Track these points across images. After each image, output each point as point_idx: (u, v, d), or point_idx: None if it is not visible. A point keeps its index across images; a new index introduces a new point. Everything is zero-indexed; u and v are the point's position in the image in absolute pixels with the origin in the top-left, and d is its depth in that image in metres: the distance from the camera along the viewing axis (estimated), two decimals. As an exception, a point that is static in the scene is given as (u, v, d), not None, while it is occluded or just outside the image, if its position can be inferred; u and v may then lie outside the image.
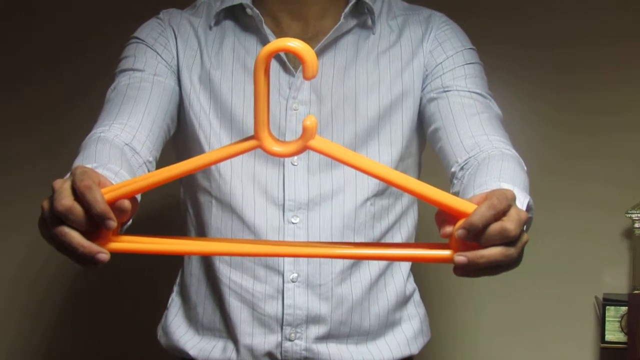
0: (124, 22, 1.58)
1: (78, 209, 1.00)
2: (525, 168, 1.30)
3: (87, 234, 1.02)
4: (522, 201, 1.15)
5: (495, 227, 1.00)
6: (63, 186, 1.02)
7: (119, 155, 1.26)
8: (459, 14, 1.54)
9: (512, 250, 1.03)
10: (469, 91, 1.41)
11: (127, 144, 1.32)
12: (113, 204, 1.01)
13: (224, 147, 1.02)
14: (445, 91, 1.42)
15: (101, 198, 0.99)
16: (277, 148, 1.00)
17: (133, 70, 1.43)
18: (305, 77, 0.98)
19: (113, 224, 1.00)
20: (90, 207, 0.99)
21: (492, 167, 1.25)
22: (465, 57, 1.45)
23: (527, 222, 1.07)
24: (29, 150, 2.40)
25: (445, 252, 1.02)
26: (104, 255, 1.02)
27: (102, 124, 1.36)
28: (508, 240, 1.01)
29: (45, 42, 2.40)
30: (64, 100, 2.38)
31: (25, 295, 2.43)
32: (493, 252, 1.01)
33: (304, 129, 0.98)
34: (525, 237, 1.06)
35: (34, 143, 2.40)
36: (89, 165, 1.13)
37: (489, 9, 2.29)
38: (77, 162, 1.20)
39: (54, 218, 1.02)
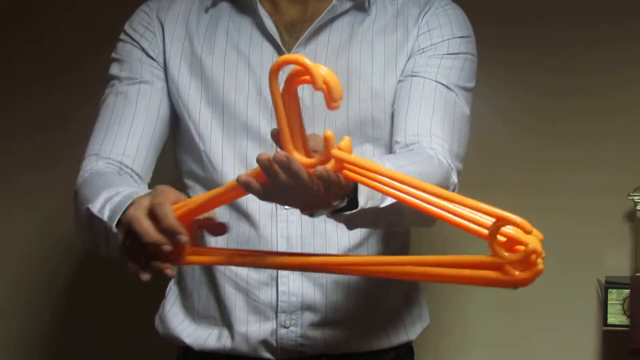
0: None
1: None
2: (438, 176, 1.28)
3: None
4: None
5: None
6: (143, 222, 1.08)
7: (121, 179, 1.33)
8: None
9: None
10: (435, 81, 1.38)
11: (116, 173, 1.37)
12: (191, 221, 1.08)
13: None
14: (412, 76, 1.39)
15: (171, 214, 1.06)
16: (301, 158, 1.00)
17: (119, 78, 1.44)
18: (329, 107, 0.98)
19: (184, 238, 1.05)
20: (160, 222, 1.06)
21: (401, 156, 1.29)
22: (450, 47, 1.41)
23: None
24: (31, 155, 2.41)
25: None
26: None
27: (91, 150, 1.40)
28: None
29: (52, 51, 2.40)
30: (71, 107, 2.37)
31: (26, 285, 2.42)
32: None
33: (325, 140, 0.98)
34: None
35: (36, 148, 2.40)
36: (112, 193, 1.21)
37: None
38: (96, 205, 1.21)
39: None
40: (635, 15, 2.22)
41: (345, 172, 0.99)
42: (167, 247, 1.06)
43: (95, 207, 1.21)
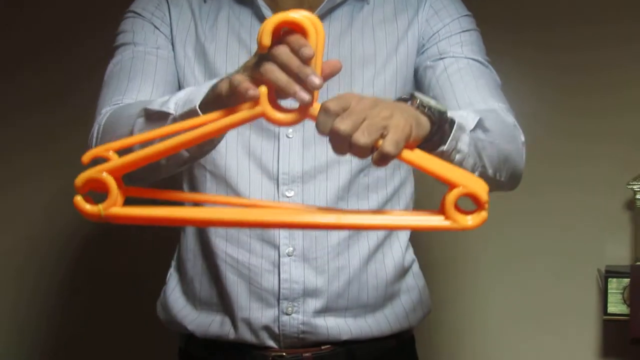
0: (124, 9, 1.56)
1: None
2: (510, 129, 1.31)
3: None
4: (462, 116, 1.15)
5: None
6: None
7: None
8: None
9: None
10: (465, 57, 1.40)
11: None
12: None
13: (228, 114, 0.98)
14: (441, 58, 1.41)
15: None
16: (280, 116, 0.97)
17: (135, 43, 1.42)
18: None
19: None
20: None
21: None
22: (461, 24, 1.44)
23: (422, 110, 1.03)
24: (26, 139, 2.41)
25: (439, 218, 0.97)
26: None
27: (111, 100, 1.35)
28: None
29: (45, 30, 2.41)
30: (69, 87, 2.37)
31: (26, 269, 2.45)
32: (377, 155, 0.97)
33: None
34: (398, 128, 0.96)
35: (29, 132, 2.41)
36: (165, 97, 1.17)
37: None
38: (154, 105, 1.18)
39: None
40: (635, 14, 2.23)
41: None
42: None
43: (154, 106, 1.17)
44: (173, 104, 1.15)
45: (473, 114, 1.19)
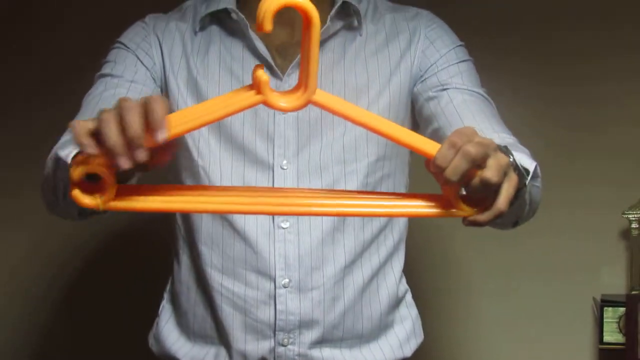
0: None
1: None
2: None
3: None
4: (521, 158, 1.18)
5: (475, 181, 1.01)
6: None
7: None
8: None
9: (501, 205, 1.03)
10: (468, 89, 1.41)
11: None
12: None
13: (226, 99, 0.99)
14: (444, 89, 1.41)
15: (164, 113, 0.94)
16: (282, 103, 0.99)
17: (111, 76, 1.43)
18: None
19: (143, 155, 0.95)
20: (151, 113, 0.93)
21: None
22: (457, 54, 1.44)
23: (513, 167, 1.08)
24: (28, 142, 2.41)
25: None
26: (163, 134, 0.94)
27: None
28: (490, 187, 1.01)
29: (47, 62, 2.42)
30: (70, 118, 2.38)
31: (19, 302, 2.43)
32: (487, 215, 1.04)
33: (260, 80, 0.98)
34: (511, 181, 1.04)
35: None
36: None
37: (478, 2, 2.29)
38: (65, 150, 1.19)
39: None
40: (634, 26, 2.25)
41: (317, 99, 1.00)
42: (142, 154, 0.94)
43: (64, 152, 1.19)
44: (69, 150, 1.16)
45: (529, 159, 1.21)
